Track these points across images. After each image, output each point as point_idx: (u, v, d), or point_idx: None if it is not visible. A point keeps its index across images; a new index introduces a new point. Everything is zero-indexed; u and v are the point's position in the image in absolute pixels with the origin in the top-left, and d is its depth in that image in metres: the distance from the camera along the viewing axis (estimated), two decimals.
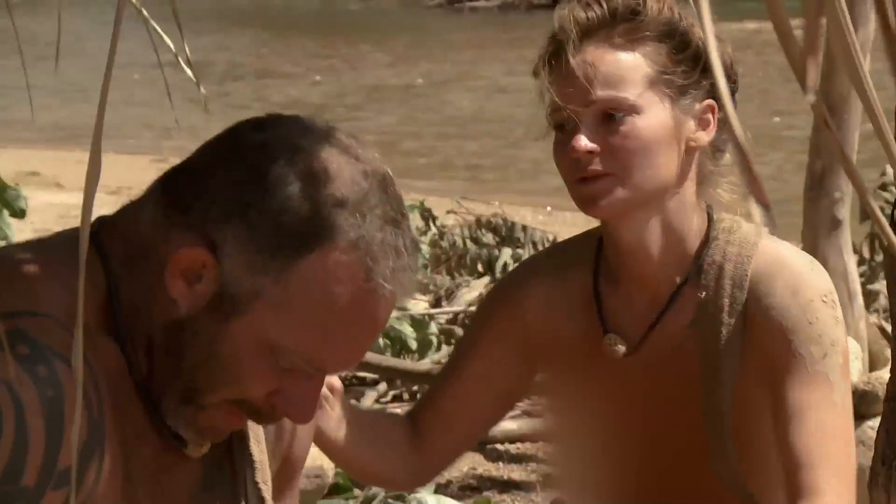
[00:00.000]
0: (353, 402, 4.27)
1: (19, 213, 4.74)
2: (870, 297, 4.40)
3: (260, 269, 1.57)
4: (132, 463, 1.63)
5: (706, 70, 2.08)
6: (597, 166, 2.04)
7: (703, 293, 2.10)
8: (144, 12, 2.27)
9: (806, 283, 2.08)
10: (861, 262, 4.57)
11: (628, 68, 2.06)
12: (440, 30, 13.73)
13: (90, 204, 1.16)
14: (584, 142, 2.03)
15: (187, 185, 1.62)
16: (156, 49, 2.26)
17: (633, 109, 2.05)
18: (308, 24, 14.23)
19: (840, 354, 2.06)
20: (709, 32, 1.00)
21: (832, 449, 2.02)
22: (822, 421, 2.04)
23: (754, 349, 2.09)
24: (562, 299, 2.20)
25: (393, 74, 11.88)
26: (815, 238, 4.23)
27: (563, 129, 2.07)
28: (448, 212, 5.84)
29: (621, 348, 2.14)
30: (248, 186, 1.58)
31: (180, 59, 2.21)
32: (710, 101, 2.10)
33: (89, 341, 1.50)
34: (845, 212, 4.26)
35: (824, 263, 4.27)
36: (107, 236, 1.64)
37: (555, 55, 2.08)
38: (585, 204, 2.07)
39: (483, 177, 8.15)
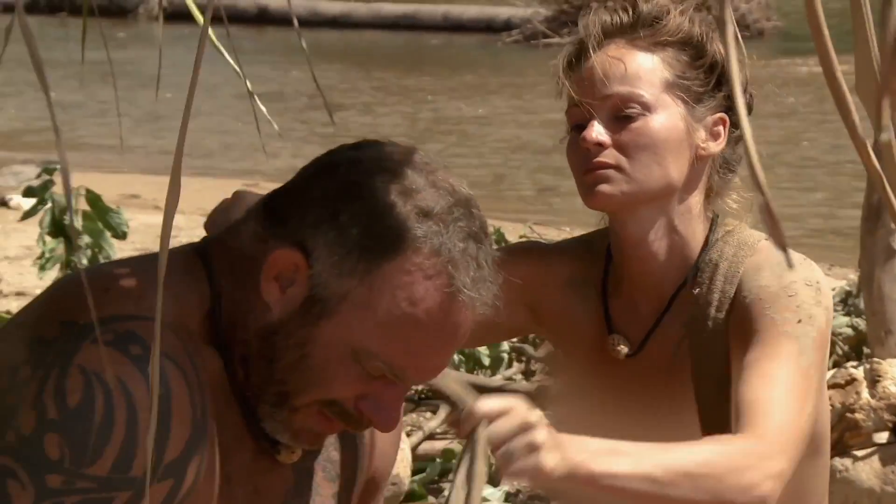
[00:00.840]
0: (426, 415, 4.31)
1: (121, 235, 4.82)
2: None
3: (347, 272, 1.58)
4: (231, 465, 1.65)
5: (721, 83, 2.08)
6: (605, 158, 2.04)
7: (697, 290, 2.09)
8: (222, 48, 2.32)
9: (793, 271, 2.06)
10: None
11: (647, 69, 2.06)
12: (512, 64, 13.66)
13: (170, 221, 1.24)
14: (595, 133, 2.03)
15: (285, 200, 1.65)
16: (245, 81, 2.29)
17: (647, 108, 2.05)
18: (390, 58, 14.20)
19: (816, 330, 2.01)
20: (731, 52, 1.00)
21: (783, 400, 1.96)
22: (781, 374, 1.98)
23: (737, 332, 2.06)
24: (578, 286, 2.18)
25: (466, 105, 11.85)
26: (872, 266, 4.22)
27: (580, 129, 2.06)
28: (521, 237, 5.88)
29: (624, 349, 2.13)
30: (339, 195, 1.60)
31: (252, 92, 2.25)
32: (722, 115, 2.09)
33: (195, 347, 1.59)
34: None
35: (880, 290, 4.32)
36: (213, 252, 1.67)
37: (576, 55, 2.08)
38: (588, 193, 2.06)
39: (554, 204, 8.13)
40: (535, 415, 1.71)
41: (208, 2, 1.34)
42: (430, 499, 3.92)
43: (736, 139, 2.12)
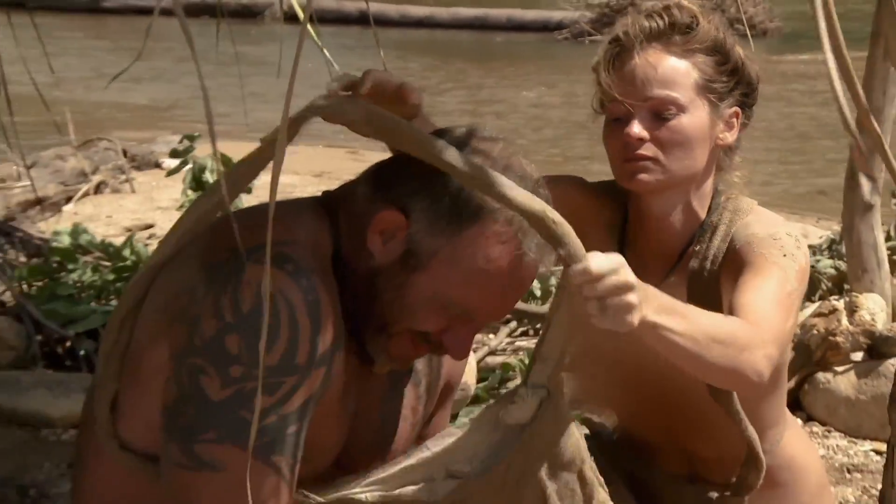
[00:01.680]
0: (491, 336, 4.33)
1: (248, 190, 4.85)
2: (894, 265, 4.33)
3: (439, 233, 1.61)
4: (352, 375, 1.67)
5: (740, 82, 2.03)
6: (644, 151, 1.98)
7: (697, 247, 2.04)
8: (317, 39, 2.29)
9: (779, 227, 2.02)
10: (888, 238, 4.49)
11: (681, 73, 1.99)
12: (564, 56, 13.61)
13: (277, 174, 1.30)
14: (637, 129, 1.97)
15: (391, 169, 1.67)
16: (330, 70, 2.28)
17: (682, 109, 1.98)
18: (464, 52, 14.19)
19: (797, 265, 1.96)
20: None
21: (772, 307, 1.89)
22: (770, 288, 1.92)
23: (729, 271, 2.01)
24: (605, 228, 2.10)
25: (526, 90, 11.81)
26: (852, 218, 4.17)
27: (619, 121, 2.00)
28: None
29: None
30: (434, 169, 1.57)
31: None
32: (736, 108, 2.04)
33: (326, 278, 1.62)
34: (877, 198, 4.19)
35: (858, 237, 4.27)
36: (334, 205, 1.69)
37: (617, 56, 2.01)
38: (627, 178, 2.01)
39: (596, 168, 8.13)
40: (633, 276, 1.61)
41: (307, 4, 1.34)
42: (491, 401, 3.89)
43: (742, 126, 2.06)
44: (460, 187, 1.60)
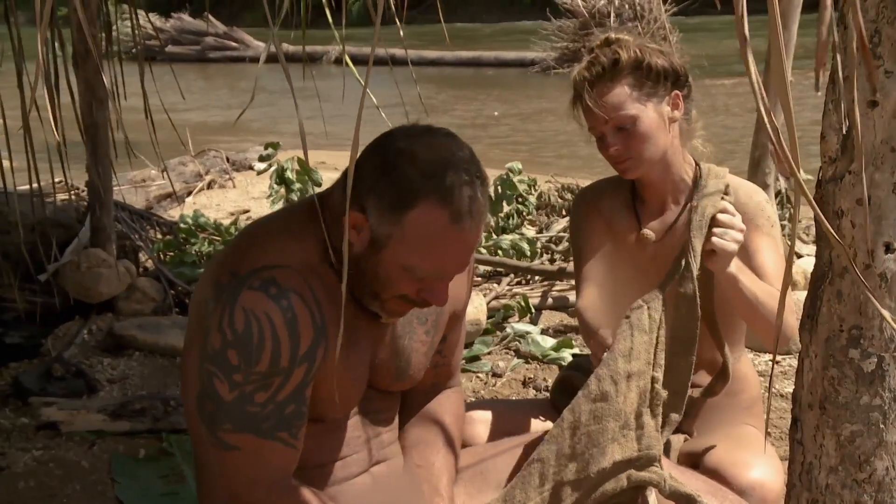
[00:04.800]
0: (494, 285, 4.30)
1: (319, 184, 4.80)
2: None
3: (388, 220, 1.51)
4: (357, 331, 1.61)
5: (665, 76, 2.00)
6: (623, 155, 1.98)
7: (696, 203, 1.99)
8: (357, 75, 2.24)
9: (757, 193, 2.04)
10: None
11: (623, 96, 1.96)
12: (536, 86, 13.53)
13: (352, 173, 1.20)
14: (612, 149, 1.98)
15: (354, 172, 1.58)
16: (364, 95, 2.20)
17: (634, 119, 1.96)
18: (463, 83, 14.10)
19: (778, 230, 2.03)
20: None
21: (777, 272, 1.98)
22: (773, 258, 2.00)
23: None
24: (615, 203, 2.11)
25: (509, 108, 11.71)
26: None
27: (600, 139, 2.01)
28: (546, 181, 5.75)
29: (652, 235, 2.06)
30: (377, 170, 1.51)
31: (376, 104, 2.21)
32: (675, 91, 2.01)
33: (315, 276, 1.54)
34: (772, 178, 4.12)
35: None
36: (325, 204, 1.60)
37: (579, 97, 2.01)
38: (622, 174, 2.03)
39: (563, 163, 8.01)
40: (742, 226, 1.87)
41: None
42: (497, 332, 3.81)
43: (684, 98, 2.03)
44: (395, 182, 1.49)
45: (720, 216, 1.87)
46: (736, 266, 1.86)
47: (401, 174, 1.49)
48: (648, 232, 2.06)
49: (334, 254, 1.55)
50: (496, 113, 11.17)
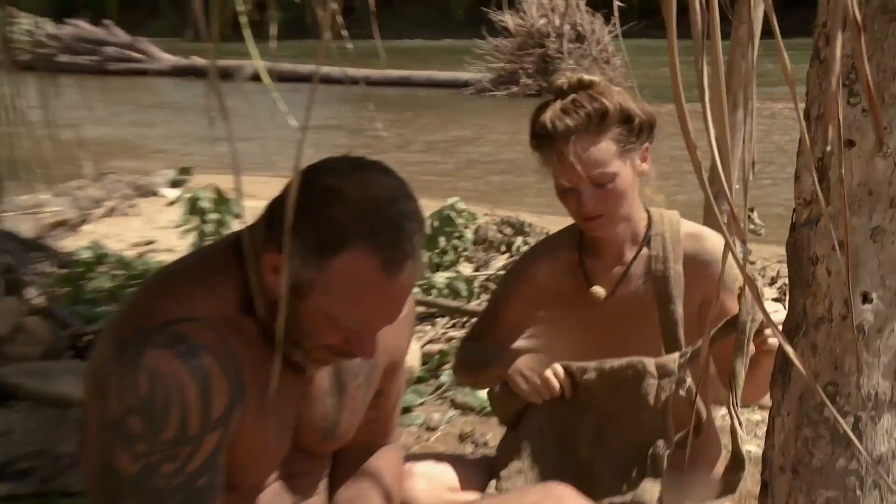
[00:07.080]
0: (428, 327, 4.26)
1: (237, 215, 4.71)
2: None
3: (310, 266, 1.41)
4: (281, 385, 1.52)
5: (644, 129, 1.99)
6: (596, 212, 1.98)
7: (655, 252, 2.01)
8: (277, 99, 2.22)
9: (718, 244, 2.01)
10: None
11: (606, 151, 1.95)
12: (469, 108, 13.67)
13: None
14: (589, 206, 1.96)
15: (274, 211, 1.47)
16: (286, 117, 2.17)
17: (614, 177, 1.96)
18: (393, 103, 14.18)
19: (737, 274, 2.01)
20: None
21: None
22: (734, 308, 1.96)
23: (694, 285, 2.03)
24: (557, 268, 2.10)
25: (441, 132, 11.78)
26: None
27: (570, 190, 1.98)
28: (484, 214, 5.76)
29: (602, 293, 2.06)
30: (302, 207, 1.38)
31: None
32: (646, 144, 2.00)
33: (233, 329, 1.47)
34: (726, 217, 4.18)
35: None
36: (245, 244, 1.52)
37: (551, 145, 1.96)
38: (588, 230, 2.02)
39: (504, 196, 8.06)
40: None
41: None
42: (431, 380, 3.78)
43: (647, 149, 2.03)
44: (318, 225, 1.40)
45: (769, 334, 1.91)
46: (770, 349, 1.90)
47: (327, 216, 1.41)
48: (598, 290, 2.06)
49: (255, 299, 1.48)
50: (430, 138, 11.23)
